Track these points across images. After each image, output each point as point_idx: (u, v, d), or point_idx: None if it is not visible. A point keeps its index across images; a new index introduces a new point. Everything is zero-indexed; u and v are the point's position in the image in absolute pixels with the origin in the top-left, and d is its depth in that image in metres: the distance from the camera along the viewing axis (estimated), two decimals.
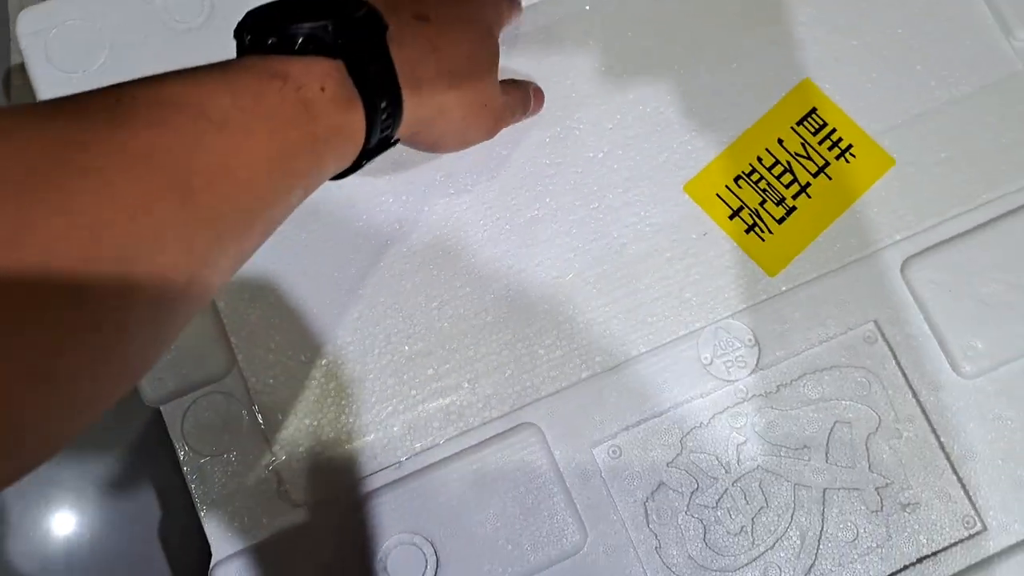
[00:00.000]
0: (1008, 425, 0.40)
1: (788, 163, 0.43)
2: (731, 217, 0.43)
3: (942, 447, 0.40)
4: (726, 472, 0.40)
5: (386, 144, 0.32)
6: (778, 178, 0.43)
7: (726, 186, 0.43)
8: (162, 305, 0.23)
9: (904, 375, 0.41)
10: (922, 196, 0.43)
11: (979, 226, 0.42)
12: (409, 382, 0.41)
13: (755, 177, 0.43)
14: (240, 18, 0.29)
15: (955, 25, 0.45)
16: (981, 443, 0.40)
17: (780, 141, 0.44)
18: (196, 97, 0.24)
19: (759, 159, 0.43)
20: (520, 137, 0.43)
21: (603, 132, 0.44)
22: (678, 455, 0.40)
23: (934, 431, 0.40)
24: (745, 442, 0.40)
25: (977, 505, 0.39)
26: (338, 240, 0.42)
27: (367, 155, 0.31)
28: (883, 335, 0.41)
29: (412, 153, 0.42)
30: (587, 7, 0.45)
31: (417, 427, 0.40)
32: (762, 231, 0.43)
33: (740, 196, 0.43)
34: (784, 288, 0.42)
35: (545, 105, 0.44)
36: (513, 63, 0.44)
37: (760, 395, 0.41)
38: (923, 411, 0.40)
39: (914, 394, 0.41)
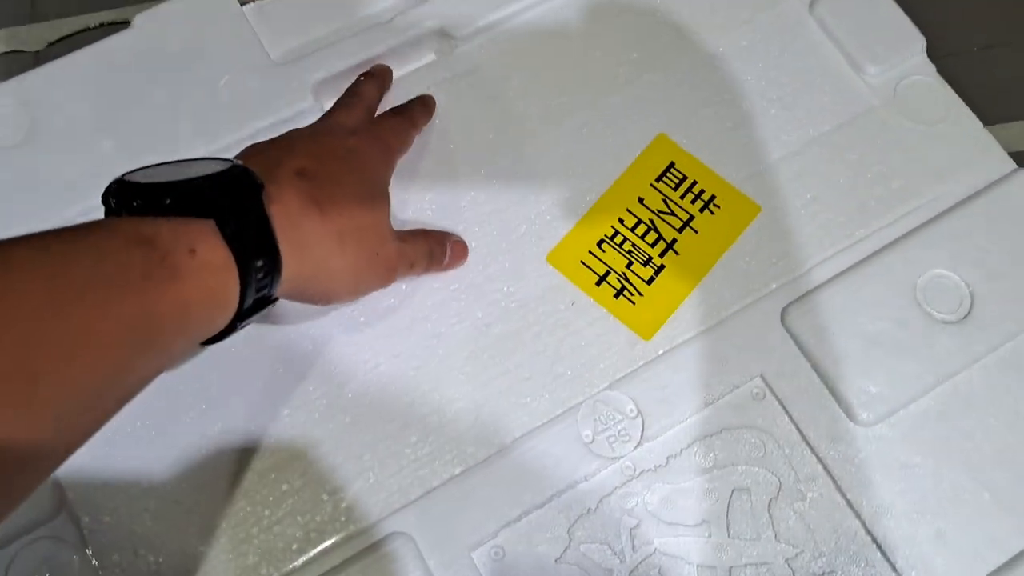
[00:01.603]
0: (916, 472, 0.38)
1: (651, 221, 0.42)
2: (598, 283, 0.41)
3: (850, 505, 0.38)
4: (621, 561, 0.37)
5: (264, 304, 0.31)
6: (642, 238, 0.42)
7: (590, 252, 0.42)
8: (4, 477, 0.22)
9: (799, 430, 0.39)
10: (793, 240, 0.42)
11: (856, 264, 0.42)
12: (262, 502, 0.37)
13: (619, 239, 0.42)
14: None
15: (807, 68, 0.46)
16: (891, 495, 0.38)
17: (641, 200, 0.43)
18: (55, 262, 0.23)
19: (621, 220, 0.42)
20: None
21: (456, 211, 0.43)
22: (567, 548, 0.37)
23: (839, 488, 0.38)
24: (638, 524, 0.38)
25: (897, 567, 0.37)
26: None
27: (242, 317, 0.29)
28: (771, 390, 0.40)
29: None
30: (429, 86, 0.45)
31: (273, 553, 0.37)
32: (632, 294, 0.41)
33: (605, 260, 0.42)
34: (662, 351, 0.40)
35: (394, 189, 0.42)
36: None
37: (649, 470, 0.38)
38: (825, 468, 0.38)
39: (812, 450, 0.39)
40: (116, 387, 0.25)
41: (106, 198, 0.28)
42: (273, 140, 0.36)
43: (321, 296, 0.35)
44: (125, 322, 0.24)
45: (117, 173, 0.39)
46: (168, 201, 0.27)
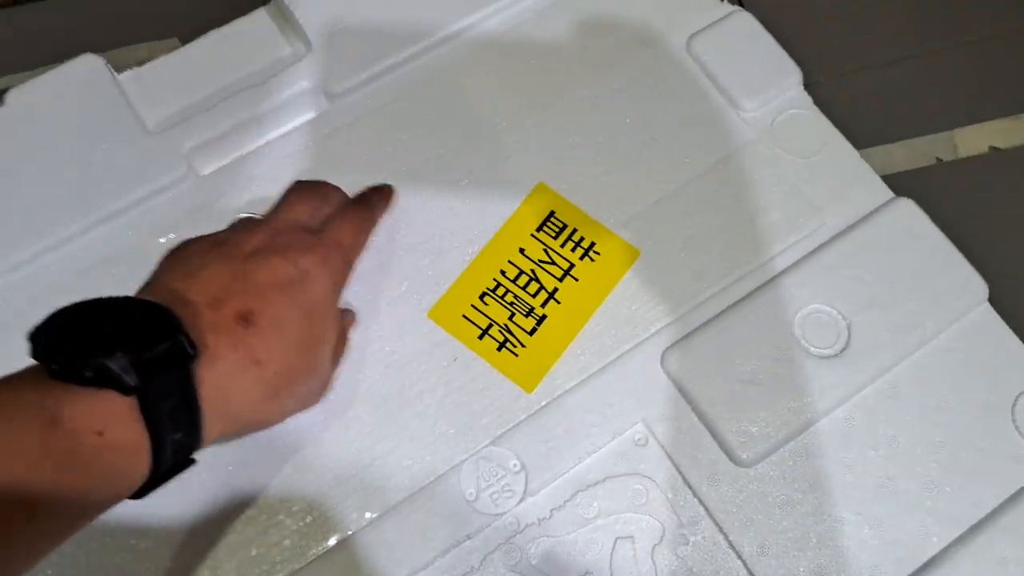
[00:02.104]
0: (797, 510, 0.39)
1: (533, 271, 0.43)
2: (480, 337, 0.42)
3: (732, 546, 0.39)
4: None
5: (184, 465, 0.30)
6: (524, 288, 0.43)
7: (472, 305, 0.42)
8: None
9: (681, 474, 0.40)
10: (673, 283, 0.43)
11: (734, 303, 0.42)
12: None
13: (500, 291, 0.43)
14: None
15: (684, 107, 0.47)
16: (772, 535, 0.39)
17: (522, 250, 0.43)
18: None
19: (503, 272, 0.43)
20: None
21: None
22: None
23: (721, 530, 0.39)
24: None
25: None
26: None
27: (156, 483, 0.29)
28: (653, 435, 0.40)
29: None
30: (306, 145, 0.45)
31: None
32: (514, 346, 0.42)
33: (487, 313, 0.42)
34: (544, 402, 0.41)
35: None
36: (230, 216, 0.44)
37: (533, 524, 0.39)
38: (707, 510, 0.39)
39: (694, 493, 0.39)
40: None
41: (34, 338, 0.27)
42: (216, 249, 0.33)
43: (250, 432, 0.35)
44: (12, 507, 0.24)
45: None
46: (88, 374, 0.26)
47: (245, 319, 0.31)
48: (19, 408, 0.25)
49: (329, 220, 0.38)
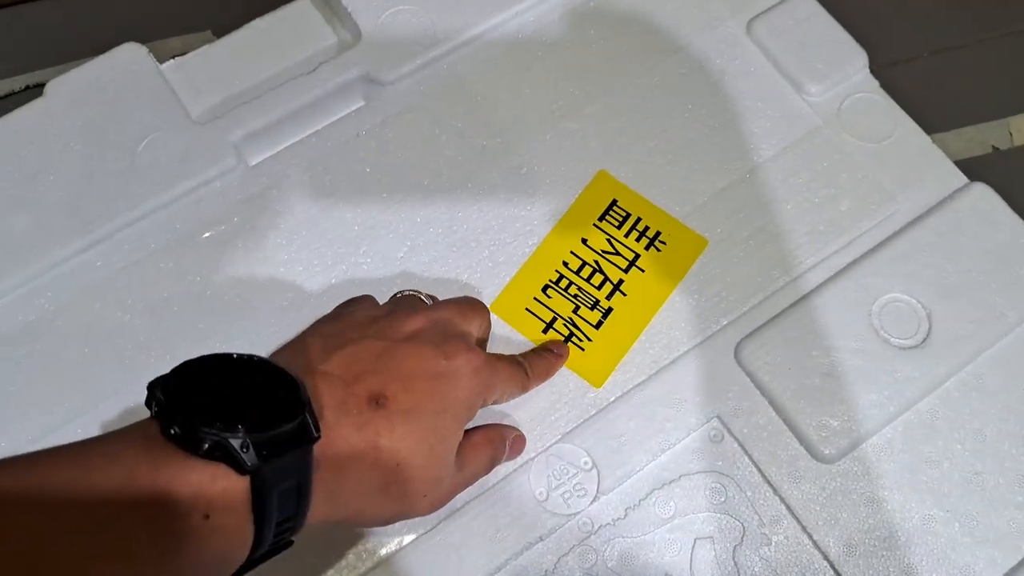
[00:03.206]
0: (883, 507, 0.39)
1: (596, 262, 0.43)
2: (545, 331, 0.41)
3: (817, 546, 0.38)
4: None
5: (280, 549, 0.29)
6: (588, 280, 0.42)
7: (535, 298, 0.42)
8: None
9: (760, 472, 0.39)
10: (743, 273, 0.42)
11: (808, 293, 0.42)
12: None
13: (564, 283, 0.42)
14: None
15: (747, 92, 0.46)
16: (859, 533, 0.38)
17: (584, 241, 0.43)
18: (34, 527, 0.22)
19: (565, 263, 0.43)
20: (301, 282, 0.42)
21: (393, 263, 0.43)
22: None
23: (805, 530, 0.38)
24: None
25: None
26: None
27: (249, 567, 0.28)
28: (729, 431, 0.40)
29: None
30: (360, 133, 0.45)
31: None
32: (580, 340, 0.41)
33: (551, 306, 0.42)
34: (613, 398, 0.40)
35: (327, 244, 0.43)
36: (282, 207, 0.43)
37: (608, 524, 0.38)
38: (789, 509, 0.39)
39: (775, 491, 0.39)
40: None
41: (152, 391, 0.26)
42: (373, 325, 0.33)
43: (343, 524, 0.34)
44: None
45: (34, 249, 0.39)
46: (207, 447, 0.25)
47: (377, 400, 0.30)
48: (131, 479, 0.24)
49: (490, 355, 0.36)
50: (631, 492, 0.39)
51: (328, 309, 0.40)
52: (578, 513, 0.39)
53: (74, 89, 0.45)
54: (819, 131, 0.45)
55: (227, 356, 0.28)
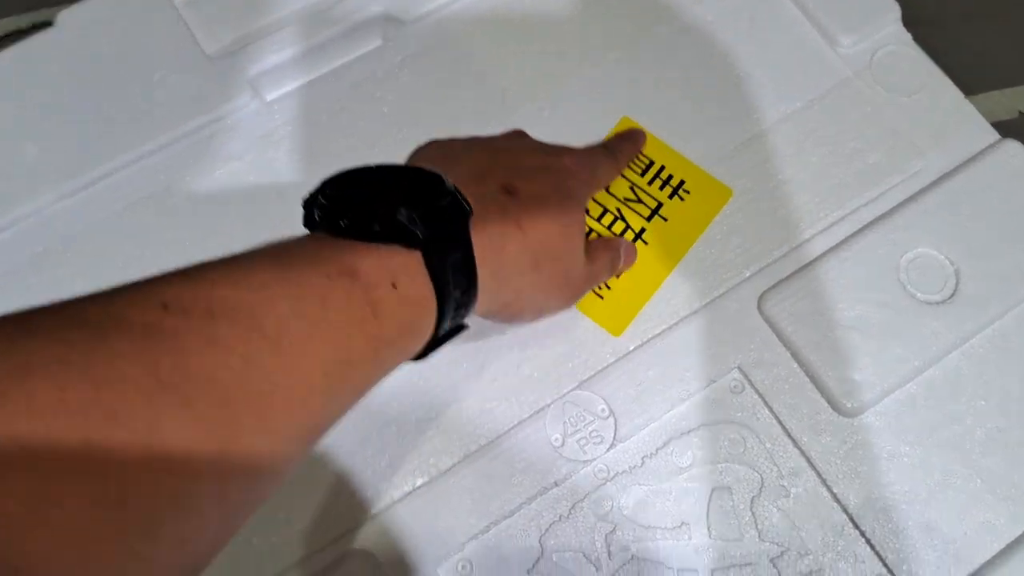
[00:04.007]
0: (905, 462, 0.39)
1: (618, 210, 0.43)
2: None
3: (836, 499, 0.38)
4: (596, 569, 0.37)
5: (457, 331, 0.31)
6: (609, 228, 0.42)
7: None
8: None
9: (781, 424, 0.39)
10: (768, 224, 0.42)
11: (834, 246, 0.42)
12: None
13: (584, 231, 0.42)
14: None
15: (777, 41, 0.46)
16: (879, 487, 0.38)
17: (606, 188, 0.43)
18: (251, 305, 0.23)
19: (586, 210, 0.42)
20: None
21: None
22: (539, 559, 0.37)
23: (824, 482, 0.38)
24: (614, 530, 0.38)
25: (887, 561, 0.37)
26: None
27: (434, 345, 0.30)
28: (750, 382, 0.40)
29: None
30: (377, 72, 0.45)
31: None
32: (600, 288, 0.41)
33: None
34: (633, 347, 0.40)
35: None
36: (298, 145, 0.43)
37: (624, 472, 0.39)
38: (808, 461, 0.39)
39: (795, 443, 0.39)
40: (307, 434, 0.25)
41: (309, 205, 0.28)
42: (476, 142, 0.36)
43: (507, 317, 0.36)
44: (319, 368, 0.24)
45: (43, 180, 0.39)
46: (377, 228, 0.27)
47: (508, 189, 0.33)
48: (319, 260, 0.25)
49: (584, 150, 0.40)
50: (648, 441, 0.39)
51: None
52: (594, 460, 0.39)
53: (85, 21, 0.44)
54: (849, 83, 0.45)
55: (365, 166, 0.29)
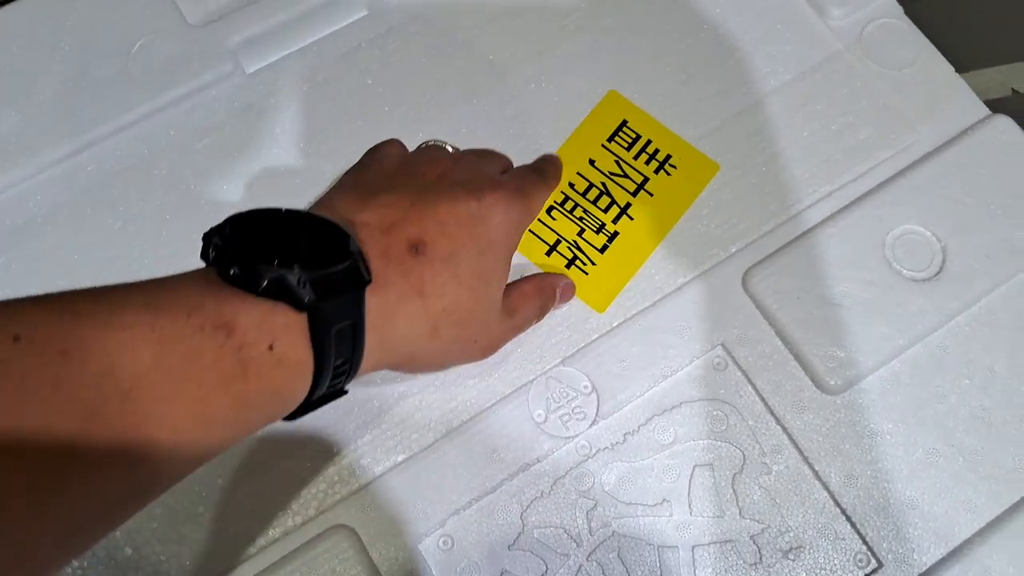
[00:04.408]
0: (887, 440, 0.38)
1: (603, 184, 0.42)
2: (548, 253, 0.41)
3: (818, 477, 0.38)
4: (577, 546, 0.37)
5: (335, 396, 0.30)
6: (594, 203, 0.42)
7: (539, 220, 0.41)
8: None
9: (763, 401, 0.39)
10: (755, 200, 0.42)
11: (820, 222, 0.41)
12: (195, 500, 0.37)
13: (569, 205, 0.42)
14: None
15: (767, 12, 0.45)
16: (860, 465, 0.38)
17: (592, 162, 0.42)
18: (110, 349, 0.22)
19: (571, 185, 0.42)
20: (298, 194, 0.42)
21: None
22: (520, 535, 0.37)
23: (806, 460, 0.38)
24: (595, 506, 0.38)
25: (868, 538, 0.37)
26: None
27: (307, 409, 0.29)
28: (733, 359, 0.39)
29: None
30: (361, 43, 0.44)
31: (209, 552, 0.36)
32: (584, 264, 0.41)
33: (555, 228, 0.41)
34: (616, 323, 0.40)
35: (326, 156, 0.42)
36: (280, 116, 0.42)
37: (606, 448, 0.38)
38: (791, 438, 0.38)
39: (777, 420, 0.39)
40: (138, 498, 0.24)
41: (208, 238, 0.27)
42: (401, 173, 0.34)
43: (402, 371, 0.34)
44: (172, 425, 0.23)
45: (23, 149, 0.38)
46: (265, 284, 0.26)
47: (417, 248, 0.31)
48: (196, 309, 0.24)
49: (509, 173, 0.38)
50: (631, 417, 0.39)
51: None
52: (576, 436, 0.39)
53: None
54: (840, 56, 0.44)
55: (276, 209, 0.28)
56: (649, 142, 0.43)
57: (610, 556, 0.37)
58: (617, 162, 0.42)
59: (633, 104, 0.43)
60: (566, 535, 0.37)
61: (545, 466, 0.38)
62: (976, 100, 0.44)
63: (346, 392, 0.30)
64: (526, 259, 0.41)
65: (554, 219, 0.41)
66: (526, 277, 0.38)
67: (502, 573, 0.37)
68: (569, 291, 0.39)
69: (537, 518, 0.38)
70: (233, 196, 0.41)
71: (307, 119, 0.43)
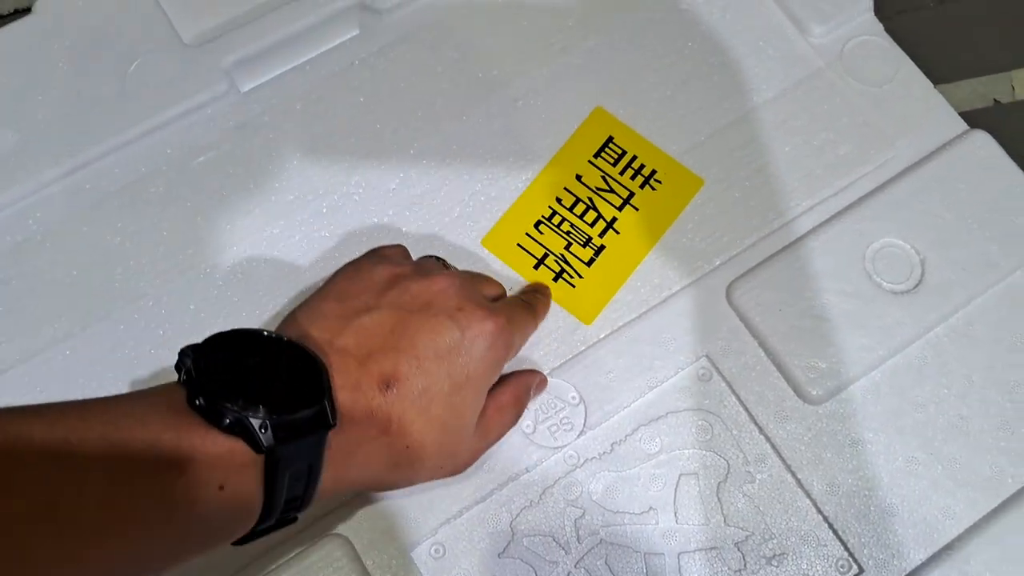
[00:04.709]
0: (868, 449, 0.39)
1: (590, 199, 0.43)
2: (536, 267, 0.42)
3: (800, 485, 0.39)
4: (566, 553, 0.38)
5: (283, 524, 0.30)
6: (581, 217, 0.42)
7: (526, 234, 0.42)
8: None
9: (747, 411, 0.40)
10: (738, 214, 0.43)
11: (802, 236, 0.42)
12: None
13: (556, 220, 0.42)
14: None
15: (749, 33, 0.46)
16: (842, 473, 0.39)
17: (579, 177, 0.43)
18: (57, 483, 0.22)
19: (559, 200, 0.43)
20: (291, 211, 0.42)
21: (385, 194, 0.43)
22: (510, 543, 0.38)
23: (789, 468, 0.39)
24: (583, 515, 0.38)
25: (849, 544, 0.38)
26: None
27: (251, 538, 0.29)
28: (718, 370, 0.40)
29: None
30: (354, 62, 0.45)
31: (204, 564, 0.37)
32: (571, 277, 0.42)
33: (543, 242, 0.42)
34: (603, 335, 0.41)
35: (319, 173, 0.43)
36: (275, 135, 0.43)
37: (593, 458, 0.39)
38: (774, 448, 0.39)
39: (761, 430, 0.39)
40: None
41: (182, 358, 0.27)
42: (390, 290, 0.33)
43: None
44: (106, 563, 0.23)
45: (21, 168, 0.39)
46: (227, 422, 0.26)
47: (388, 384, 0.30)
48: (153, 445, 0.25)
49: (500, 303, 0.37)
50: (618, 427, 0.40)
51: (317, 239, 0.41)
52: (564, 446, 0.39)
53: (64, 8, 0.44)
54: (821, 73, 0.45)
55: (258, 333, 0.29)
56: (635, 157, 0.44)
57: (598, 563, 0.38)
58: (603, 177, 0.43)
59: (619, 120, 0.44)
60: (555, 543, 0.38)
61: (534, 476, 0.39)
62: (954, 115, 0.45)
63: (296, 520, 0.30)
64: (515, 272, 0.42)
65: (542, 233, 0.42)
66: (504, 382, 0.36)
67: None
68: (543, 385, 0.39)
69: (526, 526, 0.38)
70: (228, 211, 0.42)
71: (301, 136, 0.44)
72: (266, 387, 0.27)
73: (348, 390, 0.30)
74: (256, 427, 0.26)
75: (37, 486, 0.22)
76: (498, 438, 0.36)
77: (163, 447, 0.25)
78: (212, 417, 0.26)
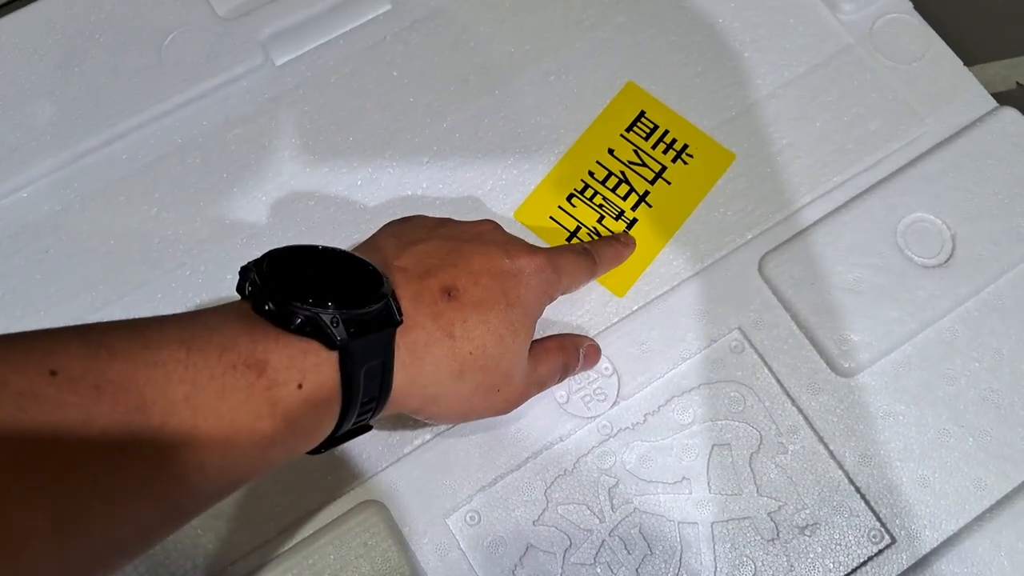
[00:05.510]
0: (900, 421, 0.39)
1: (622, 173, 0.42)
2: (569, 239, 0.41)
3: (833, 456, 0.38)
4: (600, 522, 0.38)
5: (359, 432, 0.30)
6: (614, 190, 0.42)
7: (559, 207, 0.42)
8: None
9: (779, 383, 0.39)
10: (770, 188, 0.42)
11: (834, 210, 0.42)
12: None
13: (589, 193, 0.42)
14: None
15: (780, 8, 0.46)
16: (874, 444, 0.39)
17: (611, 151, 0.43)
18: (141, 385, 0.22)
19: (591, 173, 0.42)
20: (326, 184, 0.42)
21: (419, 167, 0.43)
22: (544, 511, 0.38)
23: (821, 439, 0.39)
24: (617, 484, 0.38)
25: (881, 515, 0.38)
26: None
27: (330, 444, 0.29)
28: (750, 342, 0.40)
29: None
30: (386, 36, 0.44)
31: (245, 527, 0.37)
32: None
33: (575, 215, 0.42)
34: (636, 307, 0.41)
35: (353, 146, 0.43)
36: (309, 107, 0.43)
37: (627, 428, 0.39)
38: (806, 419, 0.39)
39: (793, 402, 0.39)
40: (159, 530, 0.24)
41: (245, 272, 0.27)
42: (439, 228, 0.34)
43: (422, 418, 0.34)
44: (197, 461, 0.23)
45: (59, 140, 0.39)
46: (298, 322, 0.26)
47: (449, 293, 0.31)
48: (230, 347, 0.25)
49: (553, 250, 0.37)
50: (651, 398, 0.39)
51: (353, 211, 0.41)
52: (598, 416, 0.39)
53: None
54: (851, 50, 0.45)
55: (313, 247, 0.29)
56: (667, 132, 0.43)
57: (632, 532, 0.38)
58: (635, 151, 0.43)
59: (650, 95, 0.44)
60: (589, 511, 0.38)
61: (568, 445, 0.39)
62: (984, 93, 0.44)
63: (371, 428, 0.31)
64: (547, 246, 0.41)
65: (574, 206, 0.42)
66: (549, 336, 0.38)
67: (527, 547, 0.37)
68: (594, 353, 0.39)
69: (561, 495, 0.38)
70: (264, 183, 0.42)
71: (334, 109, 0.43)
72: (331, 288, 0.27)
73: (410, 299, 0.30)
74: (328, 322, 0.26)
75: (126, 392, 0.22)
76: (545, 380, 0.36)
77: (239, 351, 0.25)
78: (283, 320, 0.26)
